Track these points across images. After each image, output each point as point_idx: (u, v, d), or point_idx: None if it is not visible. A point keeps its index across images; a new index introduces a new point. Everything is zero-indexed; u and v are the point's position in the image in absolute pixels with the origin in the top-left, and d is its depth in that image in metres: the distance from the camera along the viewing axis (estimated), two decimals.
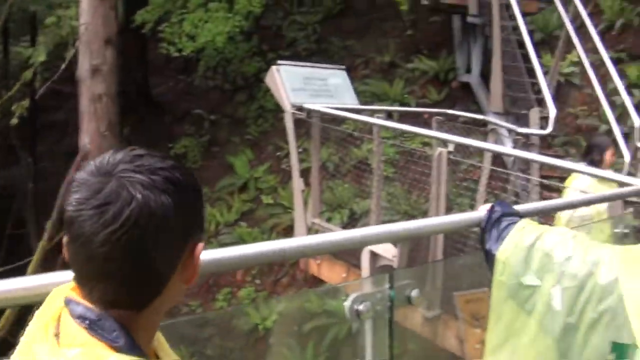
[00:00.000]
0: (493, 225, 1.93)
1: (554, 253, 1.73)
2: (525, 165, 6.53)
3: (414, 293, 2.03)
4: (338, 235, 1.91)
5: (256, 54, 13.44)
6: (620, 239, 3.05)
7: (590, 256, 1.68)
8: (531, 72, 8.00)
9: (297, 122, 6.61)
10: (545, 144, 8.89)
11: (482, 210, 2.04)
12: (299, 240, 1.78)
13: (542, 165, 6.30)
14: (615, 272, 1.61)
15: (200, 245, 1.05)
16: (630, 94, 9.22)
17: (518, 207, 2.14)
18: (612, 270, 1.62)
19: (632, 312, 1.54)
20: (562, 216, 4.23)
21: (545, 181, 5.93)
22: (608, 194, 3.46)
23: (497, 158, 7.58)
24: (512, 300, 1.83)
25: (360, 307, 1.94)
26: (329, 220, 8.53)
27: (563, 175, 5.33)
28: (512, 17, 8.75)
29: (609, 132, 7.62)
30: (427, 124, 7.76)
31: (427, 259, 4.20)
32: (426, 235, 1.85)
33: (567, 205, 2.93)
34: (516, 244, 1.82)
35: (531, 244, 1.79)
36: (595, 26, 8.86)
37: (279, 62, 7.06)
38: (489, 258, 1.89)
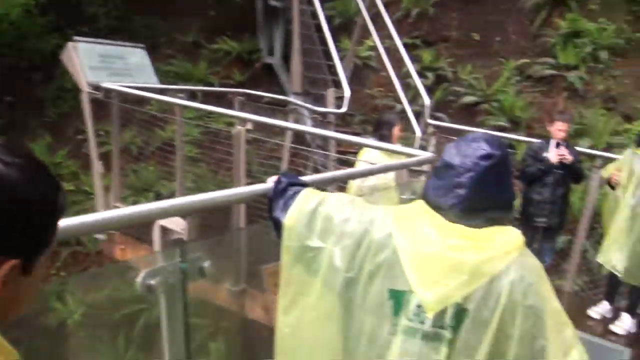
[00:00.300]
0: (279, 195, 2.01)
1: (334, 216, 1.85)
2: (324, 142, 6.76)
3: (206, 265, 2.06)
4: (125, 210, 1.87)
5: (54, 30, 12.60)
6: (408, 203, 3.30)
7: (365, 216, 1.83)
8: (329, 55, 8.22)
9: (99, 104, 6.32)
10: (345, 123, 9.29)
11: (269, 182, 2.12)
12: (82, 218, 1.72)
13: (340, 142, 6.57)
14: (389, 228, 1.78)
15: (9, 263, 0.93)
16: (423, 76, 9.90)
17: (304, 178, 2.25)
18: (386, 227, 1.78)
19: (406, 262, 1.71)
20: (354, 186, 4.47)
21: (342, 157, 6.20)
22: (393, 164, 3.74)
23: (301, 136, 7.82)
24: (299, 263, 1.93)
25: (152, 282, 1.93)
26: (134, 204, 8.30)
27: (359, 150, 5.59)
28: (311, 2, 8.96)
29: (403, 111, 8.12)
30: (231, 105, 7.81)
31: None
32: (213, 208, 1.88)
33: (347, 175, 3.11)
34: (300, 210, 1.91)
35: (313, 209, 1.89)
36: (391, 14, 9.36)
37: (76, 38, 6.67)
38: (277, 226, 1.97)
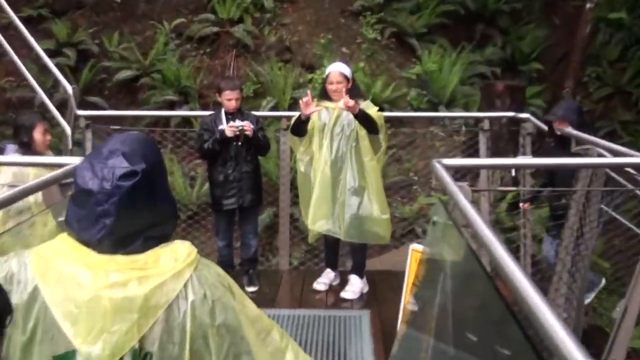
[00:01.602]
0: None
1: None
2: None
3: None
4: None
5: None
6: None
7: (1, 274, 1.55)
8: None
9: None
10: None
11: None
12: None
13: None
14: (33, 280, 1.53)
15: None
16: (63, 55, 8.92)
17: None
18: (29, 280, 1.53)
19: (61, 318, 1.49)
20: None
21: None
22: (30, 185, 3.11)
23: None
24: None
25: None
26: None
27: None
28: None
29: (43, 104, 6.63)
30: None
31: None
32: None
33: None
34: None
35: None
36: None
37: None
38: None
